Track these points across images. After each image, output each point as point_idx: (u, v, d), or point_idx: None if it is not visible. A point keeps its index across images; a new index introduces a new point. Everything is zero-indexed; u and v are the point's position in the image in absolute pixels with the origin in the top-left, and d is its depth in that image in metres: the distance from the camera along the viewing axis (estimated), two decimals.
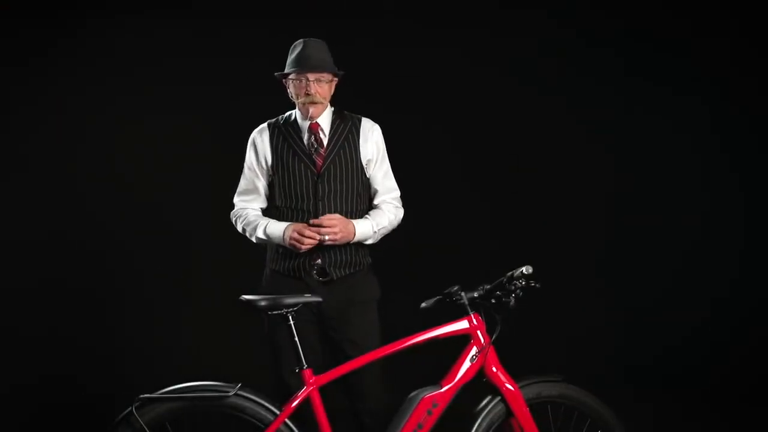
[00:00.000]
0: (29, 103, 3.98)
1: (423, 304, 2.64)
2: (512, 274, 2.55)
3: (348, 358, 2.66)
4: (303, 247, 2.70)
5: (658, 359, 4.09)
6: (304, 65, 2.76)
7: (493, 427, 2.59)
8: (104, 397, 3.62)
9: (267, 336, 2.82)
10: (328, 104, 2.88)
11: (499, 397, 2.58)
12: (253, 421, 2.46)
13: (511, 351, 2.69)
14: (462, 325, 2.59)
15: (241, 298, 2.55)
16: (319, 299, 2.61)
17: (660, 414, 3.74)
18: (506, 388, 2.58)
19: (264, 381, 2.74)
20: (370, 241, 2.86)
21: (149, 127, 4.04)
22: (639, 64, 4.19)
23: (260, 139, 2.88)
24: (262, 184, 2.89)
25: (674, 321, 4.09)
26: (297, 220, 2.79)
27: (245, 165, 2.92)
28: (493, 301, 2.58)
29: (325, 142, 2.83)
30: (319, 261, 2.78)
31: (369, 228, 2.82)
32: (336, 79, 2.85)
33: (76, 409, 3.77)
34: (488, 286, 2.60)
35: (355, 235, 2.78)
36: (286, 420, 2.45)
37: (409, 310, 2.71)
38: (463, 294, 2.59)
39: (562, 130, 4.20)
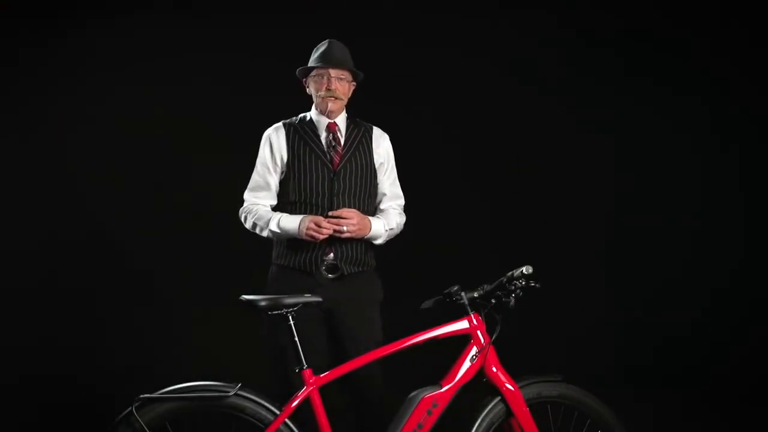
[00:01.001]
0: (27, 103, 3.98)
1: (423, 304, 2.64)
2: (512, 274, 2.55)
3: (350, 357, 2.66)
4: (320, 237, 2.74)
5: (658, 359, 4.09)
6: (327, 61, 2.87)
7: (493, 427, 2.59)
8: (104, 397, 3.62)
9: (268, 336, 2.82)
10: (344, 109, 2.97)
11: (499, 397, 2.59)
12: (253, 421, 2.46)
13: (511, 351, 2.69)
14: (462, 325, 2.60)
15: (241, 298, 2.55)
16: (319, 299, 2.61)
17: (660, 414, 3.74)
18: (506, 388, 2.58)
19: (264, 381, 2.73)
20: (379, 241, 2.92)
21: (151, 125, 4.04)
22: (639, 64, 4.19)
23: (276, 136, 2.94)
24: (274, 181, 2.93)
25: (674, 321, 4.10)
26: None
27: (258, 162, 2.96)
28: (493, 301, 2.58)
29: (342, 141, 2.92)
30: (331, 255, 2.82)
31: (382, 227, 2.90)
32: (354, 83, 2.96)
33: (76, 409, 3.77)
34: (488, 286, 2.61)
35: (370, 231, 2.85)
36: (286, 420, 2.45)
37: (409, 310, 2.71)
38: (463, 294, 2.59)
39: (562, 130, 4.20)
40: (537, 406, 2.64)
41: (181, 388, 2.45)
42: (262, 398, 2.47)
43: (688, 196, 4.17)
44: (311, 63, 2.92)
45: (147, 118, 4.03)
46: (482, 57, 4.15)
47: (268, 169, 2.92)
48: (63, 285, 3.94)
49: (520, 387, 2.60)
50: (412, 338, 2.56)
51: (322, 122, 2.93)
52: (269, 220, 2.86)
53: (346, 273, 2.83)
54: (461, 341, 2.60)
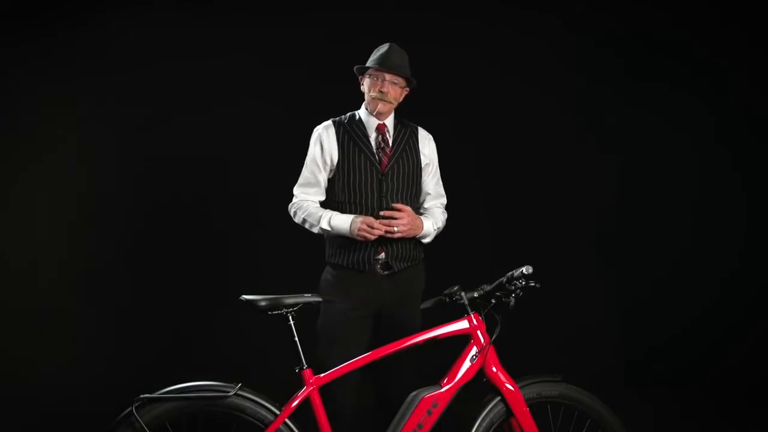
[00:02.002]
0: (51, 98, 3.99)
1: (423, 304, 2.66)
2: (512, 274, 2.55)
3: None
4: (371, 237, 2.80)
5: (658, 359, 4.09)
6: (384, 64, 2.92)
7: (493, 427, 2.59)
8: (104, 397, 3.63)
9: (319, 327, 2.89)
10: (393, 111, 3.02)
11: (499, 397, 2.59)
12: (253, 421, 2.46)
13: (511, 351, 2.69)
14: (462, 325, 2.60)
15: (241, 298, 2.55)
16: (320, 299, 2.62)
17: (660, 414, 3.74)
18: (506, 388, 2.58)
19: (264, 381, 2.73)
20: (427, 240, 3.00)
21: (147, 128, 4.05)
22: (639, 64, 4.19)
23: (326, 134, 2.98)
24: (323, 177, 2.98)
25: (674, 321, 4.10)
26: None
27: (308, 158, 3.00)
28: (493, 301, 2.59)
29: (391, 143, 2.97)
30: (382, 255, 2.88)
31: (431, 226, 2.98)
32: (407, 89, 3.01)
33: (76, 409, 3.77)
34: (488, 286, 2.61)
35: (422, 230, 2.92)
36: (286, 420, 2.46)
37: None
38: (463, 294, 2.59)
39: (563, 130, 4.20)
40: (537, 406, 2.64)
41: (181, 388, 2.45)
42: (262, 398, 2.47)
43: (688, 196, 4.17)
44: (369, 63, 2.96)
45: (160, 114, 4.05)
46: (483, 57, 4.16)
47: (318, 166, 2.97)
48: (62, 285, 3.93)
49: (520, 387, 2.60)
50: (412, 338, 2.56)
51: (372, 123, 2.97)
52: (320, 218, 2.91)
53: (397, 269, 2.89)
54: (461, 341, 2.60)
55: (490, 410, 2.58)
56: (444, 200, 3.12)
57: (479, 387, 2.61)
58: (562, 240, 4.13)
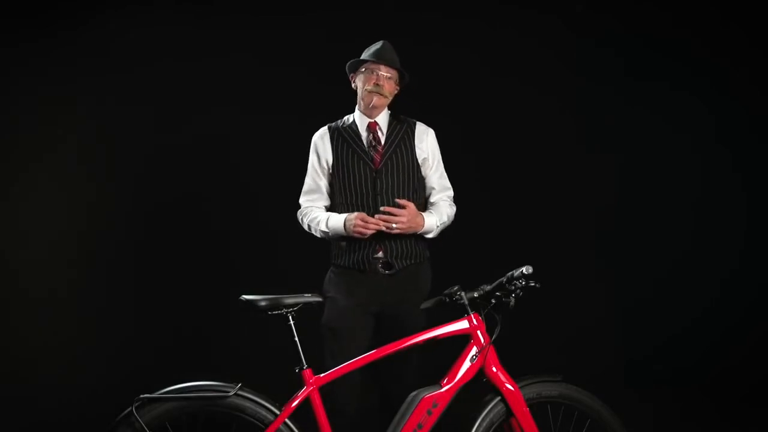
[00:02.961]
0: (49, 101, 3.99)
1: (423, 304, 2.65)
2: (512, 274, 2.55)
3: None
4: (368, 232, 2.81)
5: (658, 359, 4.09)
6: (380, 58, 2.96)
7: (493, 427, 2.59)
8: (104, 397, 3.62)
9: (322, 324, 2.90)
10: (386, 108, 3.04)
11: (499, 397, 2.59)
12: (253, 421, 2.46)
13: (511, 351, 2.69)
14: (462, 325, 2.60)
15: (241, 298, 2.55)
16: (320, 299, 2.62)
17: (660, 414, 3.74)
18: (506, 388, 2.58)
19: (264, 381, 2.73)
20: (431, 235, 3.00)
21: (147, 128, 4.05)
22: (639, 64, 4.19)
23: (321, 142, 3.04)
24: (324, 183, 3.03)
25: (674, 321, 4.10)
26: None
27: (309, 166, 3.07)
28: (493, 301, 2.58)
29: (383, 140, 2.99)
30: (380, 254, 2.90)
31: (434, 221, 2.98)
32: (398, 87, 3.04)
33: (76, 409, 3.77)
34: (488, 287, 2.61)
35: (423, 227, 2.92)
36: (286, 420, 2.45)
37: None
38: (463, 294, 2.59)
39: (563, 130, 4.20)
40: (537, 406, 2.64)
41: (181, 388, 2.45)
42: (262, 398, 2.47)
43: (688, 196, 4.17)
44: (364, 57, 2.99)
45: (160, 114, 4.05)
46: (482, 57, 4.15)
47: (317, 173, 3.03)
48: (62, 284, 3.93)
49: (520, 387, 2.60)
50: (412, 338, 2.56)
51: (364, 122, 3.01)
52: (320, 222, 2.96)
53: (398, 268, 2.90)
54: (461, 341, 2.60)
55: (490, 410, 2.58)
56: (450, 193, 3.13)
57: (479, 387, 2.61)
58: (562, 240, 4.12)
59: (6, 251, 3.91)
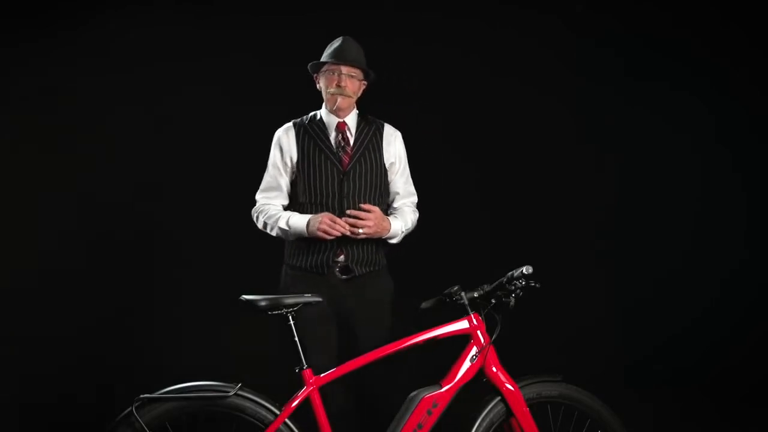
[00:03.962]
0: (31, 99, 3.98)
1: (423, 304, 2.65)
2: (512, 274, 2.55)
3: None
4: (333, 233, 2.74)
5: (658, 359, 4.09)
6: (340, 58, 2.87)
7: (493, 427, 2.59)
8: (104, 397, 3.63)
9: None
10: (354, 108, 2.97)
11: (499, 397, 2.59)
12: (253, 421, 2.46)
13: (511, 351, 2.69)
14: (462, 325, 2.60)
15: (241, 298, 2.55)
16: (320, 299, 2.61)
17: (660, 414, 3.74)
18: (506, 388, 2.58)
19: (264, 381, 2.73)
20: (394, 241, 2.93)
21: (147, 128, 4.05)
22: (639, 64, 4.19)
23: (286, 137, 2.95)
24: (285, 181, 2.94)
25: (674, 321, 4.09)
26: None
27: (269, 163, 2.97)
28: (493, 301, 2.59)
29: (352, 142, 2.91)
30: (341, 258, 2.83)
31: (400, 227, 2.91)
32: (365, 82, 2.95)
33: (76, 409, 3.77)
34: (488, 286, 2.61)
35: (388, 231, 2.86)
36: (286, 420, 2.46)
37: (409, 310, 2.71)
38: (463, 294, 2.60)
39: (563, 130, 4.20)
40: (537, 406, 2.64)
41: (181, 388, 2.45)
42: (262, 398, 2.47)
43: (688, 197, 4.17)
44: (324, 58, 2.92)
45: (158, 117, 4.04)
46: (482, 57, 4.15)
47: (279, 170, 2.94)
48: (63, 285, 3.93)
49: (520, 387, 2.60)
50: (412, 338, 2.56)
51: (332, 121, 2.93)
52: (278, 219, 2.87)
53: (357, 274, 2.83)
54: (461, 341, 2.60)
55: (490, 410, 2.59)
56: (414, 199, 3.04)
57: (479, 387, 2.61)
58: (562, 240, 4.12)
59: (5, 251, 3.91)
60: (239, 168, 4.08)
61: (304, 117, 2.99)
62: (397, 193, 2.99)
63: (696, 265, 4.13)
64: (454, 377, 2.56)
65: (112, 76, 4.01)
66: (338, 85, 2.87)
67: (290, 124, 2.98)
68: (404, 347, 2.56)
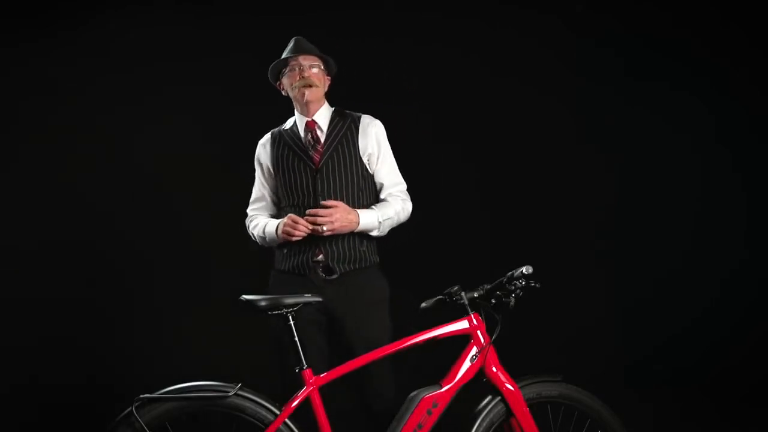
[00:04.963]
0: (29, 104, 3.98)
1: (423, 304, 2.65)
2: (512, 274, 2.55)
3: (352, 358, 2.65)
4: (296, 233, 2.71)
5: (658, 359, 4.09)
6: (296, 50, 2.88)
7: (493, 427, 2.59)
8: (104, 397, 3.62)
9: (271, 335, 2.81)
10: (326, 103, 2.94)
11: (499, 397, 2.59)
12: (253, 421, 2.46)
13: (511, 351, 2.69)
14: (462, 325, 2.60)
15: (241, 298, 2.56)
16: (320, 299, 2.61)
17: (660, 414, 3.74)
18: (506, 388, 2.58)
19: (264, 381, 2.73)
20: (375, 233, 2.85)
21: (147, 128, 4.05)
22: (639, 64, 4.19)
23: (263, 149, 2.98)
24: (268, 192, 2.97)
25: (674, 321, 4.10)
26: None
27: (255, 175, 3.01)
28: (493, 301, 2.59)
29: (323, 139, 2.88)
30: (321, 257, 2.79)
31: (374, 218, 2.81)
32: (329, 76, 2.94)
33: (76, 409, 3.77)
34: (488, 286, 2.61)
35: (358, 225, 2.78)
36: (286, 420, 2.46)
37: (409, 310, 2.71)
38: (463, 294, 2.60)
39: (563, 130, 4.20)
40: (537, 406, 2.64)
41: (181, 388, 2.45)
42: (262, 398, 2.47)
43: (688, 197, 4.17)
44: (280, 60, 2.92)
45: (152, 122, 4.04)
46: (482, 57, 4.16)
47: (262, 183, 2.98)
48: (63, 286, 3.93)
49: (520, 387, 2.60)
50: (412, 338, 2.56)
51: (302, 122, 2.91)
52: (257, 227, 2.91)
53: (339, 272, 2.78)
54: (461, 341, 2.60)
55: (490, 410, 2.59)
56: (402, 186, 2.96)
57: (479, 387, 2.61)
58: (562, 240, 4.12)
59: (5, 251, 3.91)
60: (239, 168, 4.09)
61: (283, 124, 3.00)
62: (382, 184, 2.91)
63: (696, 265, 4.13)
64: (454, 377, 2.56)
65: (112, 76, 4.01)
66: (302, 77, 2.85)
67: (268, 135, 2.99)
68: (404, 347, 2.56)
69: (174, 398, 2.43)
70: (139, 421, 2.39)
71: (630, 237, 4.20)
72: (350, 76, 3.02)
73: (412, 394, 2.57)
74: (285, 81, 2.92)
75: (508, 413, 2.59)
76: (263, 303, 2.51)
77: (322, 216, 2.71)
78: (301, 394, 2.48)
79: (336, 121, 2.90)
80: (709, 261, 4.13)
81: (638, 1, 4.16)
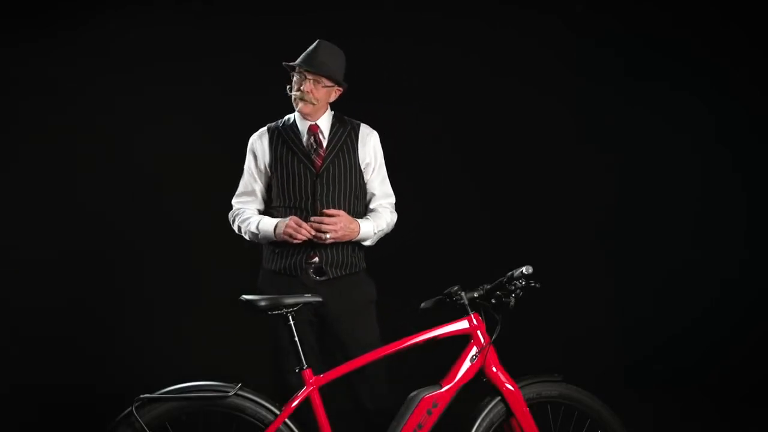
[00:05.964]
0: (27, 104, 3.98)
1: (423, 304, 2.65)
2: (512, 274, 2.55)
3: (343, 361, 2.65)
4: (298, 237, 2.71)
5: (658, 359, 4.09)
6: (305, 62, 2.82)
7: (493, 427, 2.59)
8: (104, 397, 3.62)
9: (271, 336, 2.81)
10: (329, 108, 2.92)
11: (499, 397, 2.59)
12: (253, 421, 2.46)
13: (511, 351, 2.69)
14: (462, 325, 2.60)
15: (241, 298, 2.56)
16: (319, 299, 2.61)
17: (660, 414, 3.74)
18: (506, 388, 2.58)
19: (264, 381, 2.74)
20: (368, 243, 2.89)
21: (147, 128, 4.05)
22: (639, 64, 4.19)
23: (259, 142, 2.92)
24: (259, 187, 2.93)
25: (674, 321, 4.10)
26: None
27: (245, 168, 2.95)
28: (493, 301, 2.59)
29: (325, 144, 2.87)
30: (316, 259, 2.79)
31: (371, 228, 2.85)
32: (339, 89, 2.89)
33: (76, 409, 3.77)
34: (488, 286, 2.61)
35: (358, 234, 2.80)
36: (286, 420, 2.46)
37: (409, 310, 2.71)
38: (463, 294, 2.59)
39: (563, 130, 4.20)
40: (537, 406, 2.64)
41: (181, 388, 2.46)
42: (262, 398, 2.47)
43: (688, 197, 4.17)
44: (294, 62, 2.87)
45: (147, 119, 4.04)
46: (482, 57, 4.16)
47: (253, 176, 2.92)
48: (62, 286, 3.93)
49: (520, 387, 2.60)
50: (412, 338, 2.56)
51: (304, 124, 2.88)
52: (250, 223, 2.86)
53: (332, 276, 2.79)
54: (461, 341, 2.60)
55: (490, 410, 2.59)
56: (392, 199, 2.98)
57: (479, 387, 2.61)
58: (562, 240, 4.12)
59: (5, 250, 3.91)
60: (240, 168, 4.09)
61: (279, 121, 2.96)
62: (374, 194, 2.92)
63: (696, 265, 4.13)
64: (454, 377, 2.56)
65: (112, 76, 4.01)
66: (300, 89, 2.82)
67: (264, 129, 2.95)
68: (404, 347, 2.56)
69: (174, 398, 2.43)
70: (139, 421, 2.39)
71: (630, 237, 4.20)
72: (350, 76, 3.01)
73: (412, 394, 2.57)
74: (293, 81, 2.88)
75: (508, 413, 2.59)
76: (263, 303, 2.51)
77: (328, 224, 2.72)
78: (301, 394, 2.48)
79: (336, 127, 2.90)
80: (709, 261, 4.13)
81: (638, 1, 4.16)
